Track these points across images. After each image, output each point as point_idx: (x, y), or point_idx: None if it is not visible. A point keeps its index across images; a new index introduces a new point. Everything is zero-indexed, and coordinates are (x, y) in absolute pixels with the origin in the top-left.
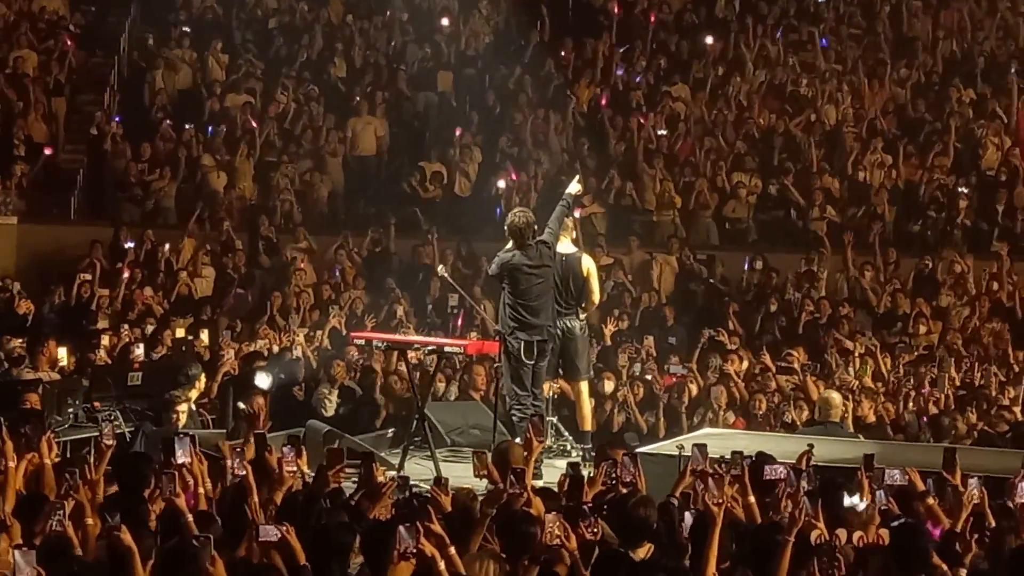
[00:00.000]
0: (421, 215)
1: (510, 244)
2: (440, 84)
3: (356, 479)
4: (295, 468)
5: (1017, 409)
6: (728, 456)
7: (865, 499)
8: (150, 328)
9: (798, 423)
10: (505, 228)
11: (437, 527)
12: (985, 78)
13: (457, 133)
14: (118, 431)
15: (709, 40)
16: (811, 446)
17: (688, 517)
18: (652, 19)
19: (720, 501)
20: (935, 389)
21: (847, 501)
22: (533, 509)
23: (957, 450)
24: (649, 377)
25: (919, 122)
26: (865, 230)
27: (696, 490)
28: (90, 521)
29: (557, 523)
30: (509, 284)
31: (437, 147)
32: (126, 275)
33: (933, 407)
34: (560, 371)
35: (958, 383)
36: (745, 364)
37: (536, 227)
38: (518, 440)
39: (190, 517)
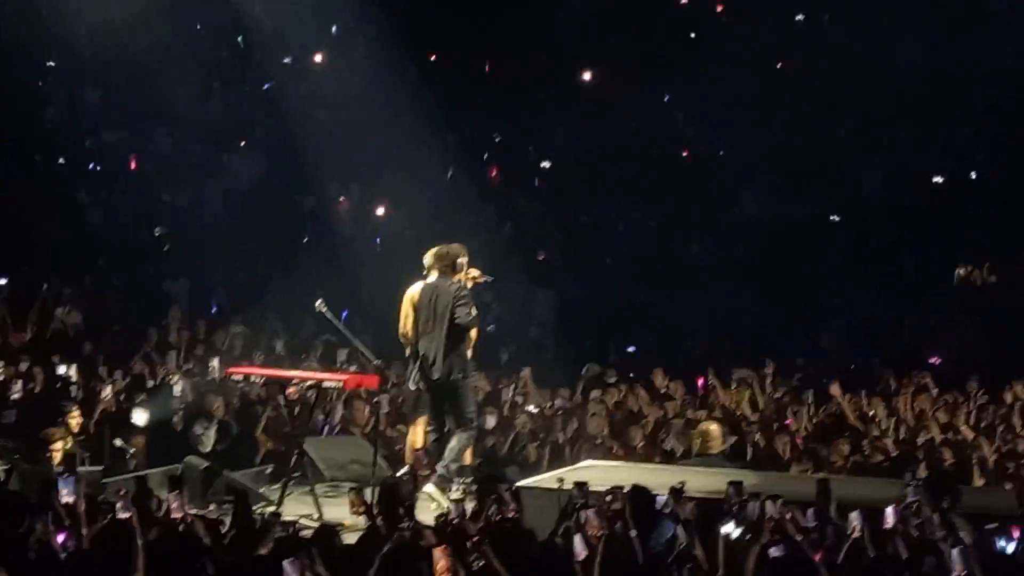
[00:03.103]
0: (300, 249)
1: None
2: (318, 119)
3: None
4: (180, 515)
5: (889, 440)
6: (609, 490)
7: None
8: (24, 365)
9: (677, 452)
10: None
11: (322, 570)
12: (863, 111)
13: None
14: None
15: (589, 76)
16: (682, 484)
17: (578, 543)
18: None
19: (599, 534)
20: (796, 419)
21: (723, 529)
22: (424, 542)
23: (830, 480)
24: (532, 408)
25: (797, 154)
26: (744, 262)
27: (579, 525)
28: None
29: (446, 558)
30: None
31: (316, 182)
32: None
33: (796, 438)
34: None
35: (817, 415)
36: (623, 395)
37: (445, 263)
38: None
39: (63, 556)
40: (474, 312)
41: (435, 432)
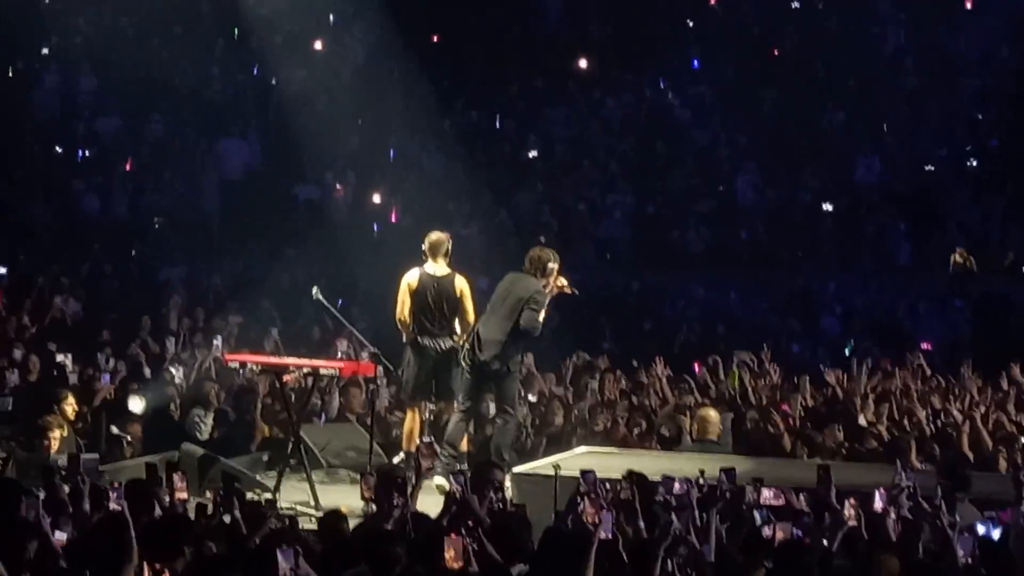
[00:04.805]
0: (296, 237)
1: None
2: (315, 107)
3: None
4: (185, 496)
5: (883, 426)
6: (611, 478)
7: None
8: (18, 353)
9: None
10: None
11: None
12: (856, 98)
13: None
14: None
15: (583, 63)
16: (702, 472)
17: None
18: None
19: (597, 521)
20: (791, 405)
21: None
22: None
23: (831, 467)
24: (531, 397)
25: (791, 141)
26: (738, 249)
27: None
28: None
29: (455, 547)
30: None
31: (312, 170)
32: None
33: (791, 423)
34: (434, 393)
35: (812, 401)
36: (617, 382)
37: (536, 266)
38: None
39: (58, 545)
40: (539, 321)
41: (463, 413)
